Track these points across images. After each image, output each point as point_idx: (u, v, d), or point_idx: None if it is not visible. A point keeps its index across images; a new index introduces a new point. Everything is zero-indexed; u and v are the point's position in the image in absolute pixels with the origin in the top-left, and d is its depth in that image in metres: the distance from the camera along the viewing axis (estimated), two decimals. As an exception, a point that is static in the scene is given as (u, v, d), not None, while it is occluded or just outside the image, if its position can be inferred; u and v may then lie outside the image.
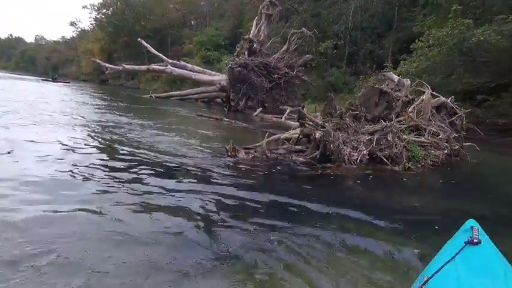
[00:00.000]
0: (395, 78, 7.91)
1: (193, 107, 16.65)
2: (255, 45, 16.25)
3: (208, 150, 6.02)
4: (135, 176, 4.16)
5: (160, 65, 21.18)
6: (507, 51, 12.24)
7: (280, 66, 16.30)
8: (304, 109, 7.22)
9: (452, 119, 7.13)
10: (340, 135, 5.48)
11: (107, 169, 4.37)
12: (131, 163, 4.73)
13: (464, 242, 1.59)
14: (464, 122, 7.28)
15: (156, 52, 22.85)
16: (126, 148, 5.71)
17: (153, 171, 4.39)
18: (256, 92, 15.99)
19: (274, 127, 10.24)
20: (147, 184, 3.86)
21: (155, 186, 3.79)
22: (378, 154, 5.52)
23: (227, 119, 10.76)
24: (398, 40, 23.27)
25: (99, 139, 6.47)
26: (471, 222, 1.82)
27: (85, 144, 5.83)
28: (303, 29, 17.44)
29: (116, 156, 5.19)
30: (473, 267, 1.46)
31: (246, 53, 16.30)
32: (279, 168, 5.10)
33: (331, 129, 5.44)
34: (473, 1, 14.85)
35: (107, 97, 19.98)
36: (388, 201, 4.25)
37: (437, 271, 1.44)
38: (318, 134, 5.23)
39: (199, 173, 4.50)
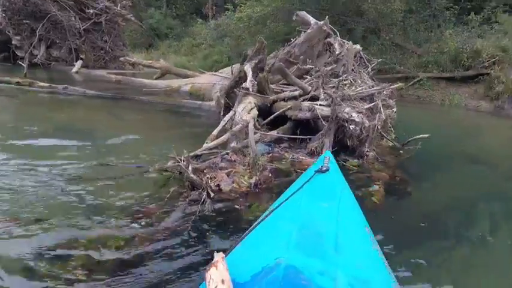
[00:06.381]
0: (312, 19, 5.99)
1: None
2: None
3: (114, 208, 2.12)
4: None
5: None
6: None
7: (96, -3, 10.64)
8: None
9: (368, 69, 6.28)
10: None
11: None
12: None
13: (315, 171, 1.54)
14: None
15: None
16: None
17: None
18: (65, 35, 10.01)
19: (130, 90, 6.14)
20: None
21: None
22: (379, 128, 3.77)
23: (44, 84, 5.51)
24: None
25: None
26: (327, 153, 1.77)
27: None
28: None
29: None
30: (316, 192, 1.42)
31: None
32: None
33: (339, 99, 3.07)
34: None
35: None
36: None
37: (285, 201, 1.33)
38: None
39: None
